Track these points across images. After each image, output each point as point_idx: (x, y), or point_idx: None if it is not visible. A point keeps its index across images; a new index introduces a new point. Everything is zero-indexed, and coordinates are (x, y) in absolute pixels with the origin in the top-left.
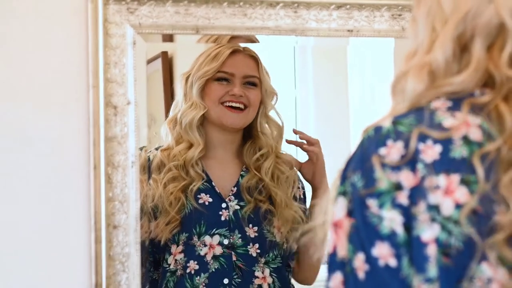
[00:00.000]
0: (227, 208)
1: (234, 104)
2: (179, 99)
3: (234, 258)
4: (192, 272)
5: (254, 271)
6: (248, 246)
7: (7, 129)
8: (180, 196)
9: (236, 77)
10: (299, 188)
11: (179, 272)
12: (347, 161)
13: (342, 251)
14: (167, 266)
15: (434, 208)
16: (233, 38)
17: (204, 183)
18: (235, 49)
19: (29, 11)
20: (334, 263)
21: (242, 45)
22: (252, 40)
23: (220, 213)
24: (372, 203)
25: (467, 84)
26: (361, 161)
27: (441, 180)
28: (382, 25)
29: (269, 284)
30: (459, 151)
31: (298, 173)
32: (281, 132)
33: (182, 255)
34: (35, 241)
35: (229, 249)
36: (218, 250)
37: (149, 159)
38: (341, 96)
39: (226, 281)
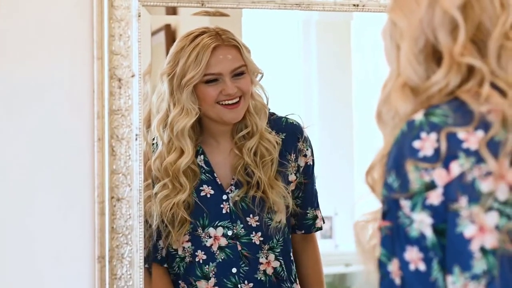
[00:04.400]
0: (227, 200)
1: (230, 102)
2: (165, 98)
3: (239, 248)
4: (201, 261)
5: (259, 258)
6: (251, 235)
7: (11, 101)
8: (177, 211)
9: (225, 75)
10: (305, 156)
11: (187, 259)
12: (386, 161)
13: None
14: (174, 251)
15: (488, 196)
16: (198, 14)
17: (207, 174)
18: (215, 45)
19: None
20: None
21: (214, 20)
22: (223, 14)
23: (222, 206)
24: (405, 204)
25: (454, 79)
26: (396, 159)
27: (491, 165)
28: (388, 0)
29: (274, 268)
30: (501, 134)
31: (306, 133)
32: (265, 109)
33: (189, 244)
34: (39, 212)
35: (234, 240)
36: (223, 242)
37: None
38: (345, 70)
39: (234, 270)
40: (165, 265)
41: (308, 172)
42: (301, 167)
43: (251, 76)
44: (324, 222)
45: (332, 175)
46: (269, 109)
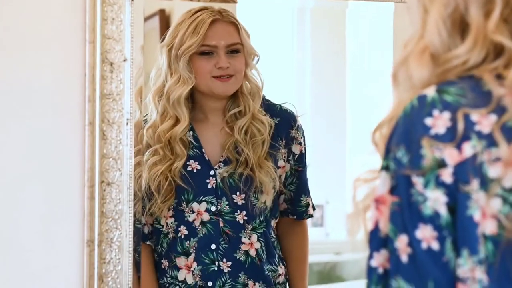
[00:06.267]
0: (214, 175)
1: (222, 75)
2: (163, 70)
3: (221, 225)
4: (182, 236)
5: (241, 237)
6: (236, 213)
7: (2, 82)
8: (167, 176)
9: (220, 48)
10: (299, 144)
11: (171, 235)
12: (391, 132)
13: (386, 228)
14: (160, 227)
15: (494, 182)
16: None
17: (194, 150)
18: (214, 18)
19: None
20: (377, 240)
21: (219, 5)
22: (228, 0)
23: (207, 180)
24: (418, 181)
25: (476, 55)
26: (405, 133)
27: (503, 150)
28: None
29: (257, 249)
30: None
31: (299, 122)
32: (260, 92)
33: (172, 219)
34: (28, 195)
35: (216, 216)
36: (206, 217)
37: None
38: (339, 59)
39: (213, 246)
40: (148, 242)
41: (302, 160)
42: (296, 155)
43: (247, 57)
44: (314, 209)
45: (324, 163)
46: (264, 96)
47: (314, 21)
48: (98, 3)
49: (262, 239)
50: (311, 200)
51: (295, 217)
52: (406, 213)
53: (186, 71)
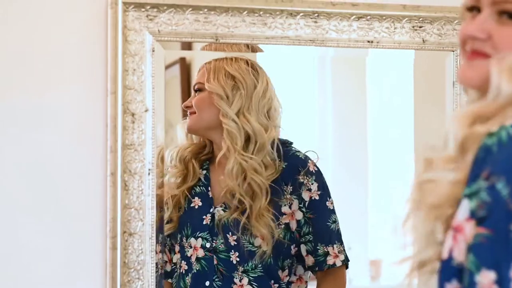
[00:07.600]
0: (212, 213)
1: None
2: None
3: (215, 262)
4: (183, 272)
5: (233, 277)
6: (230, 253)
7: (25, 133)
8: (175, 194)
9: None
10: (309, 190)
11: (177, 271)
12: (481, 159)
13: (460, 257)
14: (174, 265)
15: None
16: (234, 45)
17: (201, 187)
18: (202, 66)
19: (48, 16)
20: (450, 270)
21: (240, 54)
22: (254, 49)
23: (204, 217)
24: None
25: None
26: (505, 164)
27: None
28: (402, 37)
29: None
30: None
31: (312, 168)
32: (237, 134)
33: (178, 255)
34: (51, 247)
35: (211, 253)
36: (201, 253)
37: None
38: (360, 107)
39: (207, 283)
40: (169, 280)
41: (314, 207)
42: (306, 201)
43: (217, 101)
44: (348, 260)
45: (346, 208)
46: (287, 140)
47: (334, 69)
48: (119, 54)
49: (255, 284)
50: (335, 249)
51: (317, 268)
52: (500, 249)
53: None
